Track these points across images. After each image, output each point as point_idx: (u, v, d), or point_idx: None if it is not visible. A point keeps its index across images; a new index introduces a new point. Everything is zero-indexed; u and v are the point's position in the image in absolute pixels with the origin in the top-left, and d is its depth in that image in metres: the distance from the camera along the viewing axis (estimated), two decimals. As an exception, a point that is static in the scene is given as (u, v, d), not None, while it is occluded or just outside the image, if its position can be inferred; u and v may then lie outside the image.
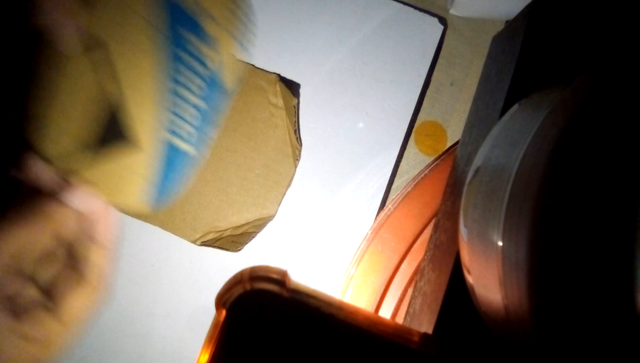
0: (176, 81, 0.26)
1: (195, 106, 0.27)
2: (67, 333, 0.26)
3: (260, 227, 0.41)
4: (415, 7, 0.41)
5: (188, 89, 0.27)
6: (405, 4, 0.41)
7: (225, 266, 0.41)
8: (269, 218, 0.41)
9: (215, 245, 0.40)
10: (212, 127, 0.28)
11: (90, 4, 0.24)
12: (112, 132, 0.26)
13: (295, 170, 0.41)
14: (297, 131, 0.41)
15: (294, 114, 0.40)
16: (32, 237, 0.24)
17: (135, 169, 0.27)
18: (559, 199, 0.16)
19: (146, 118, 0.26)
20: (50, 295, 0.27)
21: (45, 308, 0.26)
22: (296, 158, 0.41)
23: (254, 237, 0.40)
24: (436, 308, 0.28)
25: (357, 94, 0.42)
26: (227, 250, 0.40)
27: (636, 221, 0.14)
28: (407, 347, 0.24)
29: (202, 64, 0.27)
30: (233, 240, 0.40)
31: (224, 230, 0.41)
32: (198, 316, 0.41)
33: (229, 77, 0.27)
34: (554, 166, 0.17)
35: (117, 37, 0.25)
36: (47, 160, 0.25)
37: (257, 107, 0.39)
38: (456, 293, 0.27)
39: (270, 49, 0.42)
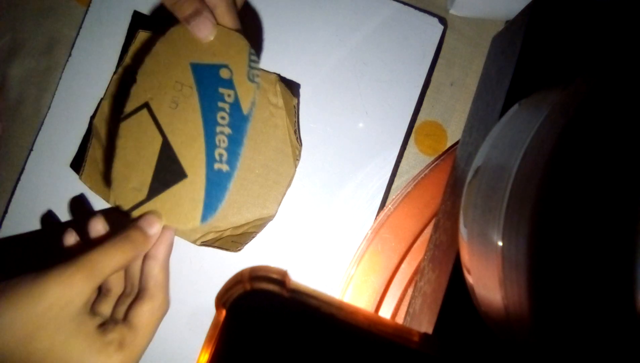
0: (206, 119, 0.36)
1: (223, 133, 0.36)
2: (143, 340, 0.31)
3: (260, 227, 0.41)
4: (415, 7, 0.41)
5: (216, 122, 0.36)
6: (405, 4, 0.41)
7: (225, 266, 0.41)
8: (269, 218, 0.41)
9: (215, 245, 0.40)
10: (238, 146, 0.36)
11: (144, 72, 0.36)
12: (166, 170, 0.36)
13: (295, 170, 0.41)
14: (297, 131, 0.41)
15: (294, 114, 0.40)
16: (116, 254, 0.31)
17: (187, 195, 0.36)
18: (558, 199, 0.16)
19: (191, 154, 0.36)
20: (120, 309, 0.33)
21: (119, 320, 0.32)
22: (296, 158, 0.41)
23: (254, 237, 0.40)
24: (436, 308, 0.28)
25: (357, 94, 0.41)
26: (227, 250, 0.40)
27: (636, 221, 0.14)
28: (407, 347, 0.24)
29: (223, 100, 0.36)
30: (233, 240, 0.40)
31: (224, 230, 0.41)
32: (198, 316, 0.41)
33: (244, 105, 0.36)
34: (553, 166, 0.17)
35: (158, 97, 0.36)
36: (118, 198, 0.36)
37: (257, 107, 0.39)
38: (456, 293, 0.27)
39: (269, 49, 0.42)
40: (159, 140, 0.36)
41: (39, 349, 0.27)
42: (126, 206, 0.36)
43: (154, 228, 0.33)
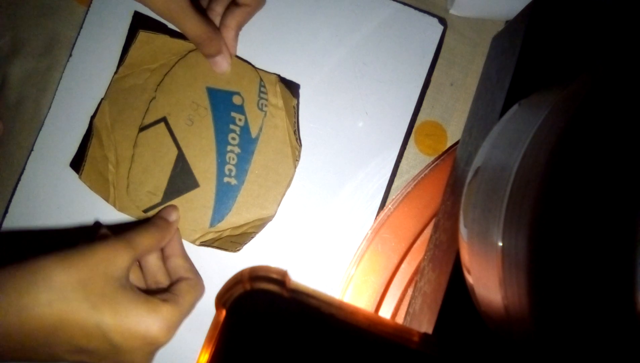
0: (218, 138, 0.41)
1: (232, 151, 0.41)
2: (187, 306, 0.34)
3: (259, 227, 0.41)
4: (415, 7, 0.41)
5: (227, 141, 0.41)
6: (405, 4, 0.41)
7: (225, 266, 0.41)
8: (269, 219, 0.41)
9: (214, 245, 0.40)
10: (246, 163, 0.41)
11: (163, 90, 0.41)
12: (179, 179, 0.41)
13: (294, 171, 0.41)
14: (296, 131, 0.41)
15: (293, 114, 0.41)
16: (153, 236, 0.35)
17: (198, 202, 0.41)
18: (558, 199, 0.16)
19: (203, 167, 0.41)
20: (171, 287, 0.36)
21: (170, 295, 0.34)
22: (296, 158, 0.41)
23: (253, 237, 0.40)
24: (436, 308, 0.28)
25: (357, 94, 0.41)
26: (226, 250, 0.40)
27: (636, 221, 0.14)
28: (407, 347, 0.24)
29: (234, 123, 0.41)
30: (232, 240, 0.40)
31: (223, 231, 0.41)
32: (198, 316, 0.41)
33: (253, 129, 0.41)
34: (553, 166, 0.17)
35: (175, 113, 0.41)
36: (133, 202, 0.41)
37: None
38: (456, 293, 0.27)
39: (269, 50, 0.42)
40: (174, 151, 0.41)
41: (91, 294, 0.30)
42: (142, 207, 0.41)
43: (173, 216, 0.38)
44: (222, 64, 0.40)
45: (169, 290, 0.35)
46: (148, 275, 0.37)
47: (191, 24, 0.36)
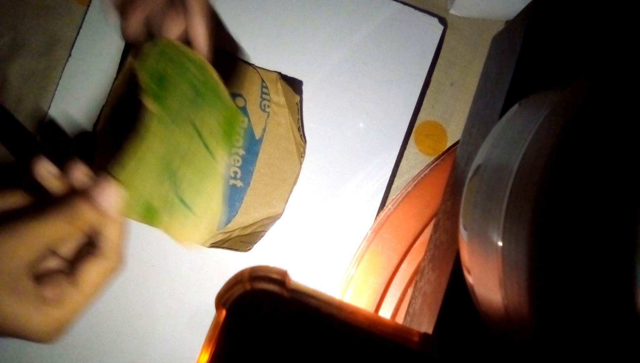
0: None
1: (237, 153, 0.40)
2: (84, 298, 0.30)
3: (268, 226, 0.41)
4: (415, 7, 0.41)
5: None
6: (405, 4, 0.41)
7: (225, 266, 0.41)
8: (277, 217, 0.41)
9: (225, 246, 0.40)
10: (251, 165, 0.40)
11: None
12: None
13: (300, 167, 0.41)
14: (300, 128, 0.41)
15: (297, 111, 0.41)
16: (61, 224, 0.29)
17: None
18: (558, 199, 0.16)
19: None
20: (69, 265, 0.31)
21: (64, 275, 0.30)
22: (301, 155, 0.41)
23: (262, 236, 0.40)
24: (436, 308, 0.28)
25: (357, 94, 0.41)
26: (236, 250, 0.40)
27: (636, 221, 0.14)
28: (407, 347, 0.24)
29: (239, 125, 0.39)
30: (242, 240, 0.40)
31: (232, 231, 0.41)
32: (198, 316, 0.41)
33: (257, 131, 0.40)
34: (553, 166, 0.17)
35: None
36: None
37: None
38: (456, 293, 0.27)
39: (270, 50, 0.42)
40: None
41: None
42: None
43: (107, 200, 0.30)
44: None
45: (76, 270, 0.30)
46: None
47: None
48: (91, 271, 0.30)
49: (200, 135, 0.33)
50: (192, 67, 0.32)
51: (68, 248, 0.32)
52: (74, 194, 0.30)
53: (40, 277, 0.30)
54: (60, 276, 0.30)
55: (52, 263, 0.31)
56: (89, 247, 0.31)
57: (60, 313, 0.29)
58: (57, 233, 0.29)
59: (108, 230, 0.31)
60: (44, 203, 0.30)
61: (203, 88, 0.32)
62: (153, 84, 0.32)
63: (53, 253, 0.31)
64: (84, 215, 0.29)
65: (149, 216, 0.33)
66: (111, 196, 0.30)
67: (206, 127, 0.33)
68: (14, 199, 0.31)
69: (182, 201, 0.33)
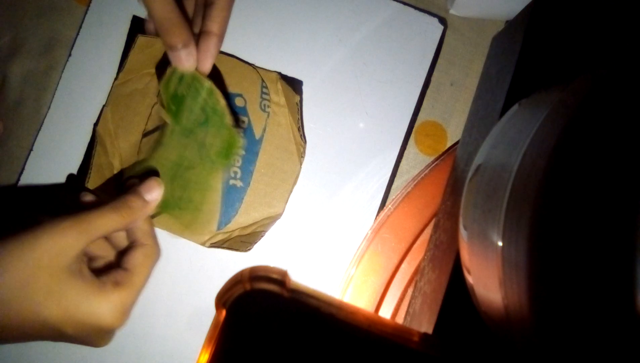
0: None
1: (237, 153, 0.40)
2: (138, 280, 0.32)
3: (268, 226, 0.41)
4: (415, 7, 0.41)
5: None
6: (405, 4, 0.41)
7: (225, 266, 0.41)
8: (277, 217, 0.41)
9: (225, 246, 0.40)
10: (251, 165, 0.41)
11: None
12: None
13: (300, 167, 0.41)
14: (300, 128, 0.41)
15: (297, 111, 0.41)
16: (114, 216, 0.32)
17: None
18: (558, 199, 0.16)
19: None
20: (118, 254, 0.35)
21: (116, 262, 0.34)
22: (301, 155, 0.41)
23: (262, 236, 0.40)
24: (436, 308, 0.28)
25: (357, 94, 0.41)
26: (236, 250, 0.40)
27: (636, 221, 0.14)
28: (407, 347, 0.24)
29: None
30: (242, 240, 0.41)
31: (232, 231, 0.41)
32: (198, 316, 0.41)
33: (257, 130, 0.41)
34: (553, 166, 0.17)
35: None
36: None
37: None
38: (456, 293, 0.27)
39: (270, 50, 0.42)
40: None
41: (36, 293, 0.28)
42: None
43: (154, 193, 0.35)
44: (186, 60, 0.35)
45: (124, 261, 0.33)
46: (109, 240, 0.35)
47: (159, 4, 0.33)
48: (136, 257, 0.33)
49: (207, 150, 0.39)
50: (203, 93, 0.37)
51: (117, 239, 0.35)
52: (127, 192, 0.34)
53: (98, 265, 0.34)
54: (113, 263, 0.34)
55: (105, 252, 0.35)
56: (131, 236, 0.35)
57: (121, 296, 0.31)
58: (111, 224, 0.32)
59: (144, 223, 0.35)
60: (101, 200, 0.34)
61: (211, 112, 0.38)
62: (172, 104, 0.38)
63: (106, 242, 0.35)
64: (134, 207, 0.33)
65: (165, 208, 0.39)
66: (156, 193, 0.35)
67: (212, 145, 0.39)
68: (76, 198, 0.35)
69: (190, 199, 0.39)
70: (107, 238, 0.35)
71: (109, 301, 0.30)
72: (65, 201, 0.40)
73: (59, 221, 0.30)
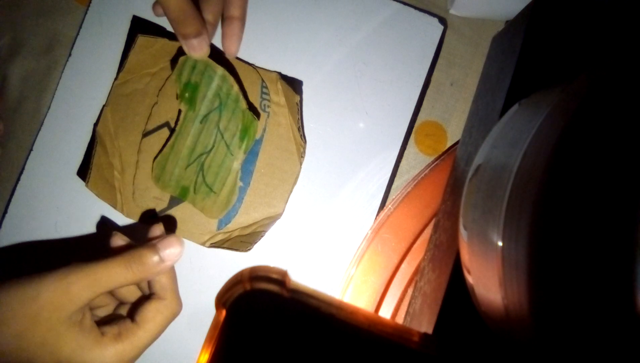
0: None
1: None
2: (145, 334, 0.31)
3: (268, 226, 0.41)
4: (415, 7, 0.41)
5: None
6: (405, 4, 0.41)
7: (225, 266, 0.41)
8: (277, 217, 0.41)
9: (225, 246, 0.40)
10: (251, 165, 0.41)
11: (165, 94, 0.41)
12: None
13: (300, 167, 0.41)
14: (300, 128, 0.41)
15: (297, 111, 0.41)
16: (121, 270, 0.30)
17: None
18: (558, 199, 0.16)
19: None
20: (130, 306, 0.33)
21: (124, 314, 0.33)
22: (301, 155, 0.41)
23: (262, 236, 0.40)
24: (436, 308, 0.28)
25: (357, 94, 0.41)
26: (236, 250, 0.40)
27: (636, 221, 0.14)
28: (407, 347, 0.24)
29: None
30: (242, 240, 0.41)
31: (232, 231, 0.41)
32: (198, 316, 0.41)
33: (257, 130, 0.41)
34: (553, 166, 0.17)
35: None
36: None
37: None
38: (456, 293, 0.27)
39: (270, 50, 0.42)
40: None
41: (31, 344, 0.28)
42: (148, 213, 0.40)
43: (172, 252, 0.32)
44: (199, 47, 0.37)
45: (136, 312, 0.32)
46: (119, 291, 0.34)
47: None
48: (149, 310, 0.31)
49: (222, 135, 0.40)
50: (217, 79, 0.40)
51: (129, 292, 0.34)
52: (141, 246, 0.32)
53: (104, 318, 0.33)
54: (122, 319, 0.32)
55: (115, 307, 0.34)
56: (151, 287, 0.33)
57: (120, 349, 0.30)
58: (120, 280, 0.30)
59: (163, 276, 0.32)
60: (110, 252, 0.32)
61: (225, 97, 0.40)
62: (186, 92, 0.40)
63: (118, 296, 0.34)
64: (147, 264, 0.31)
65: (181, 192, 0.40)
66: (175, 251, 0.32)
67: (227, 129, 0.40)
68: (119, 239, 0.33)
69: (205, 183, 0.40)
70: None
71: (105, 353, 0.29)
72: (96, 242, 0.40)
73: (65, 272, 0.29)
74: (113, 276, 0.30)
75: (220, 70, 0.39)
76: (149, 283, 0.33)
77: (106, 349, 0.29)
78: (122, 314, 0.34)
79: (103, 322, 0.31)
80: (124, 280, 0.30)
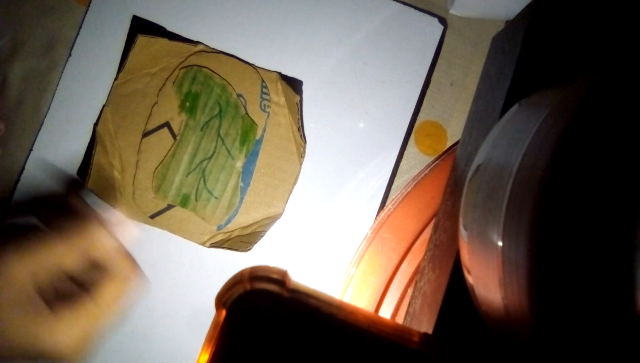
0: None
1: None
2: (102, 312, 0.30)
3: (268, 226, 0.41)
4: (415, 7, 0.41)
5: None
6: (405, 4, 0.41)
7: (225, 266, 0.41)
8: (277, 217, 0.41)
9: (225, 246, 0.40)
10: (251, 165, 0.41)
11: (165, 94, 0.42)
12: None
13: (300, 168, 0.41)
14: (300, 128, 0.41)
15: (297, 111, 0.41)
16: (67, 248, 0.29)
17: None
18: (559, 200, 0.16)
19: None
20: (83, 285, 0.31)
21: (78, 294, 0.31)
22: (301, 155, 0.41)
23: (262, 236, 0.40)
24: (436, 308, 0.28)
25: (357, 94, 0.41)
26: (236, 250, 0.40)
27: (636, 221, 0.14)
28: (407, 347, 0.24)
29: None
30: (242, 240, 0.41)
31: (232, 231, 0.41)
32: (198, 316, 0.41)
33: (257, 130, 0.41)
34: (554, 166, 0.17)
35: (177, 118, 0.41)
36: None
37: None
38: (456, 293, 0.27)
39: (270, 50, 0.42)
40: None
41: None
42: (149, 213, 0.41)
43: (125, 236, 0.32)
44: None
45: (88, 284, 0.31)
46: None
47: None
48: (106, 287, 0.31)
49: (223, 141, 0.41)
50: (216, 89, 0.41)
51: (81, 269, 0.32)
52: (91, 225, 0.31)
53: (52, 297, 0.30)
54: (73, 294, 0.30)
55: (64, 284, 0.32)
56: (103, 267, 0.32)
57: (79, 328, 0.29)
58: (65, 256, 0.29)
59: (110, 254, 0.32)
60: (56, 228, 0.31)
61: (225, 105, 0.41)
62: (187, 101, 0.41)
63: (65, 274, 0.32)
64: (98, 243, 0.30)
65: (182, 200, 0.41)
66: (128, 232, 0.32)
67: (227, 135, 0.41)
68: (29, 221, 0.32)
69: (207, 189, 0.41)
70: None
71: (62, 332, 0.28)
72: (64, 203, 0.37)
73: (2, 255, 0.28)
74: (60, 256, 0.29)
75: (220, 80, 0.41)
76: (98, 254, 0.32)
77: (64, 331, 0.28)
78: (76, 287, 0.32)
79: (56, 298, 0.30)
80: (75, 258, 0.30)
